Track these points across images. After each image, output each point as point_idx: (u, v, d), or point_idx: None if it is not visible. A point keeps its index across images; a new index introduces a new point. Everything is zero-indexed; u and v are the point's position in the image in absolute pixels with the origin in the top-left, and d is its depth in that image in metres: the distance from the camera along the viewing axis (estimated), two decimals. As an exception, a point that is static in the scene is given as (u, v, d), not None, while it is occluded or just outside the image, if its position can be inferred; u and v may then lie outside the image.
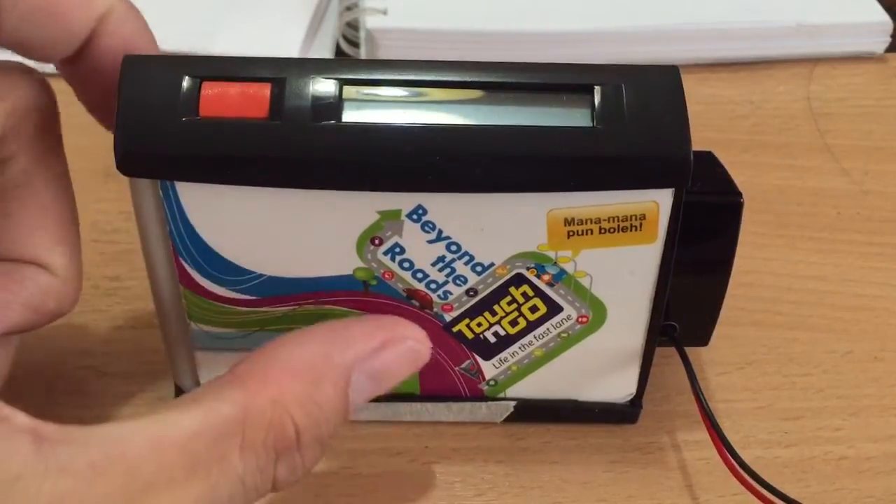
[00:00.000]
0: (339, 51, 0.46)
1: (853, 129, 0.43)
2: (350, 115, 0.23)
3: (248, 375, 0.21)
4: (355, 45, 0.46)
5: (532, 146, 0.23)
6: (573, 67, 0.24)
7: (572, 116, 0.23)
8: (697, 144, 0.23)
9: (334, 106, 0.22)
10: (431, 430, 0.30)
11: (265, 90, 0.22)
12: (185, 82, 0.22)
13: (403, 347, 0.23)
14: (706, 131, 0.42)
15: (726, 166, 0.28)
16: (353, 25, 0.46)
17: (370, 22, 0.44)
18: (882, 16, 0.47)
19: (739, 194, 0.26)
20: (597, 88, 0.23)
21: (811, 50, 0.47)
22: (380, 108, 0.23)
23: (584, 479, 0.29)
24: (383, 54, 0.44)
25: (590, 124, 0.23)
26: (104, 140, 0.24)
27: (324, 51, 0.46)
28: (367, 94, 0.23)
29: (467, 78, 0.23)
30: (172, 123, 0.22)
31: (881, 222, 0.38)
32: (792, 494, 0.27)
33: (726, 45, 0.46)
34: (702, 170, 0.23)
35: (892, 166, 0.41)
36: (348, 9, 0.46)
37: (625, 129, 0.23)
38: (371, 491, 0.28)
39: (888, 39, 0.47)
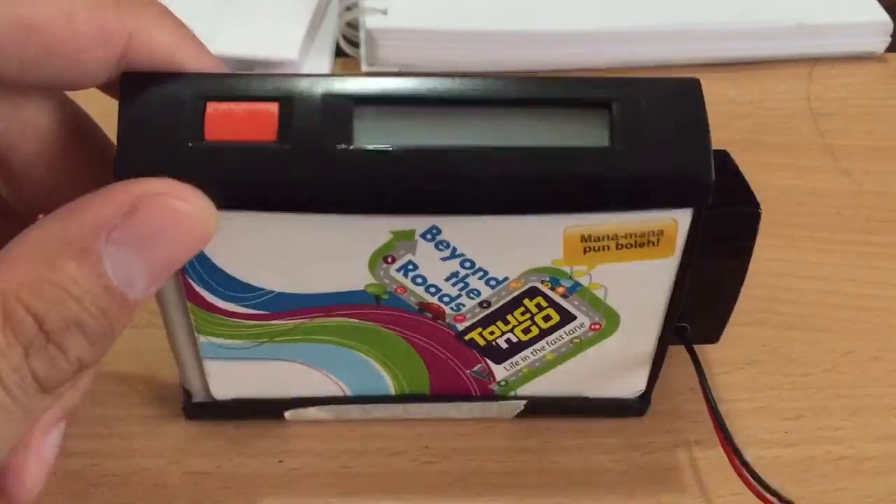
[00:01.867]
0: (339, 51, 0.46)
1: (853, 129, 0.43)
2: (362, 138, 0.22)
3: None
4: (355, 45, 0.46)
5: (548, 168, 0.22)
6: (590, 81, 0.23)
7: (589, 135, 0.22)
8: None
9: (346, 128, 0.21)
10: (431, 430, 0.30)
11: (273, 110, 0.21)
12: (189, 102, 0.21)
13: (157, 204, 0.20)
14: (706, 131, 0.42)
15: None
16: (353, 25, 0.46)
17: (370, 22, 0.44)
18: (882, 16, 0.47)
19: (757, 205, 0.26)
20: (614, 105, 0.22)
21: (811, 50, 0.47)
22: (392, 129, 0.22)
23: (585, 479, 0.29)
24: (383, 54, 0.44)
25: (607, 144, 0.22)
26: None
27: (324, 51, 0.46)
28: (379, 114, 0.22)
29: (481, 95, 0.22)
30: (178, 148, 0.21)
31: (881, 222, 0.38)
32: (792, 494, 0.27)
33: (726, 45, 0.46)
34: (717, 174, 0.22)
35: (892, 166, 0.41)
36: (348, 9, 0.46)
37: (643, 149, 0.22)
38: (371, 491, 0.28)
39: (888, 39, 0.47)
